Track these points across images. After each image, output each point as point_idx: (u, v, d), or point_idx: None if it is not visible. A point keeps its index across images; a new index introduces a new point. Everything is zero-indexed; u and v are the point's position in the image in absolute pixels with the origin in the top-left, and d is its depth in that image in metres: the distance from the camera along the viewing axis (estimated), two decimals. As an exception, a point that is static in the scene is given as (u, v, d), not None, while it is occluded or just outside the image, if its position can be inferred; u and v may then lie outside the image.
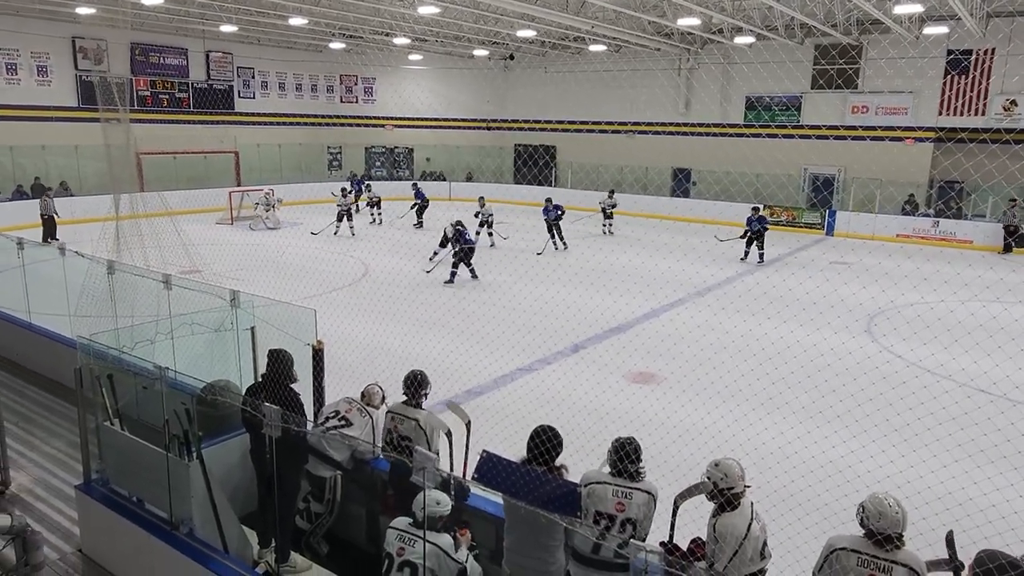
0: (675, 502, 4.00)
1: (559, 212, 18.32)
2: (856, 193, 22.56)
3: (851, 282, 11.55)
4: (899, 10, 16.95)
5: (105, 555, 4.92)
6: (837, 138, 22.60)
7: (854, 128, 22.73)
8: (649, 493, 3.88)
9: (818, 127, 22.94)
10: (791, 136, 23.47)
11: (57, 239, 16.37)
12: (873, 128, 22.35)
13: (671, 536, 3.99)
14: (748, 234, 17.28)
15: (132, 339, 5.04)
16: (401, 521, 3.91)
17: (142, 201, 7.34)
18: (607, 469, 3.93)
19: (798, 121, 24.12)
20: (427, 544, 3.75)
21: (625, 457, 3.86)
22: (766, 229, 17.30)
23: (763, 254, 17.24)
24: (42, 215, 17.84)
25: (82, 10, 19.73)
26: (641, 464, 3.91)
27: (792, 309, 10.72)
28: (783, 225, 23.20)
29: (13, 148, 21.62)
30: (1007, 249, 19.52)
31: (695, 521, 3.92)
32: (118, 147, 7.31)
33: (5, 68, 21.78)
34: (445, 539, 3.81)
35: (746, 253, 17.40)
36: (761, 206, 18.87)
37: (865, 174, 21.83)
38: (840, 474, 5.50)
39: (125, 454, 4.78)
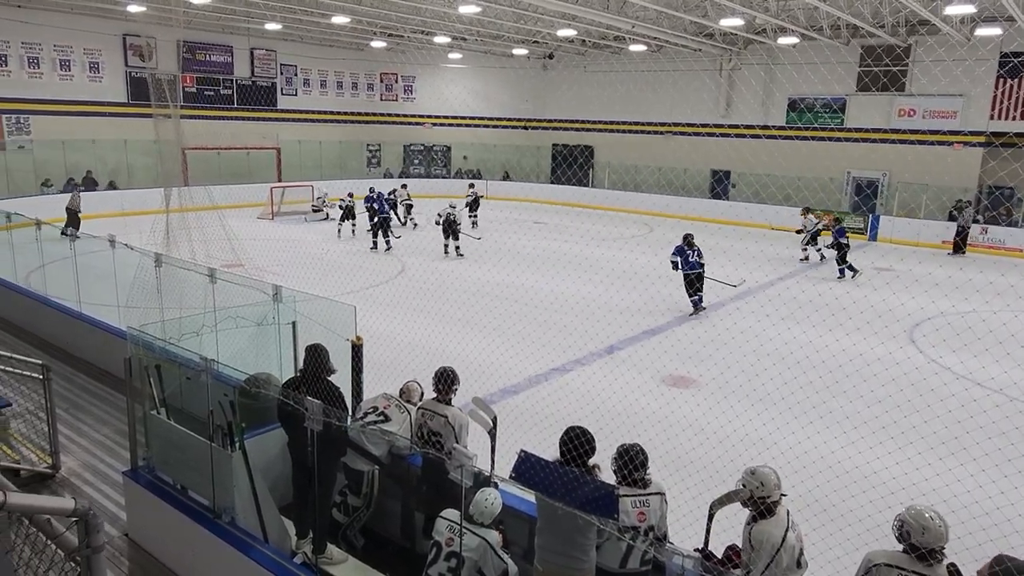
0: (711, 509, 3.97)
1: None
2: (901, 198, 22.03)
3: (899, 291, 11.22)
4: (950, 10, 16.50)
5: (150, 540, 5.05)
6: (882, 141, 22.09)
7: (900, 131, 22.19)
8: (660, 493, 3.91)
9: (863, 130, 22.44)
10: (835, 139, 23.01)
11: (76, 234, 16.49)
12: (920, 131, 21.79)
13: (706, 542, 3.95)
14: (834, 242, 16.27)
15: (179, 331, 5.16)
16: (452, 512, 3.97)
17: (189, 195, 7.51)
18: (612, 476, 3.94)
19: (842, 123, 23.63)
20: (476, 537, 3.81)
21: (634, 467, 3.87)
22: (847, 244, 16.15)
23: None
24: (69, 208, 18.15)
25: (133, 8, 20.25)
26: (647, 470, 3.93)
27: (838, 317, 10.48)
28: (824, 230, 22.74)
29: (65, 142, 22.28)
30: (957, 250, 19.44)
31: (734, 527, 3.87)
32: (168, 142, 7.49)
33: (59, 65, 22.47)
34: (493, 535, 3.87)
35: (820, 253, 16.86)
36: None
37: (911, 178, 21.31)
38: (884, 485, 5.37)
39: (170, 442, 4.90)
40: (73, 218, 17.95)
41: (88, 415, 7.16)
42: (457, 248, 17.30)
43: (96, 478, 5.95)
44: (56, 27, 21.84)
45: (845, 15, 17.91)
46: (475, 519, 3.87)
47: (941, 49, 20.25)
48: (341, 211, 20.14)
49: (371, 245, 17.93)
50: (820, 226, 17.69)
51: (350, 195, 20.22)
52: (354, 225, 19.76)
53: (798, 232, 18.21)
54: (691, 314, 12.63)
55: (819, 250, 17.56)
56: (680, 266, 12.69)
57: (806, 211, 18.62)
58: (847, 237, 16.12)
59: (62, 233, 16.45)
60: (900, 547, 3.23)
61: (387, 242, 17.81)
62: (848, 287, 13.88)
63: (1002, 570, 2.91)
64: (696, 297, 12.74)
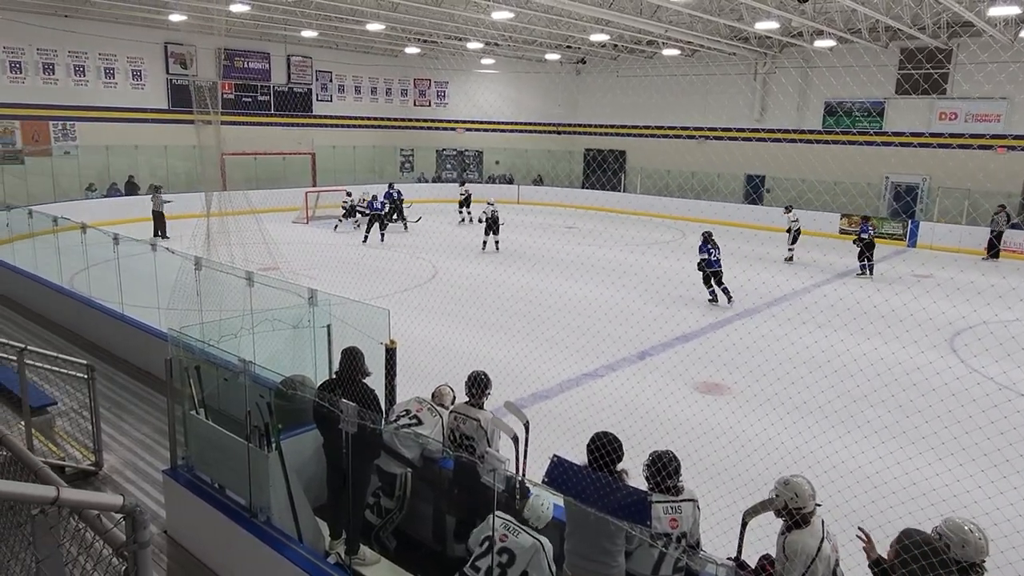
0: (744, 518, 3.93)
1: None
2: (942, 204, 21.52)
3: (940, 299, 10.97)
4: (993, 12, 16.11)
5: (188, 537, 5.16)
6: (922, 145, 21.61)
7: (941, 135, 21.69)
8: (692, 500, 3.90)
9: (902, 134, 21.98)
10: (873, 143, 22.59)
11: (167, 236, 17.73)
12: (961, 135, 21.27)
13: (739, 552, 3.91)
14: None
15: (218, 333, 5.27)
16: (507, 513, 4.01)
17: (229, 199, 7.67)
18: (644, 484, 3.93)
19: (881, 127, 23.18)
20: (530, 538, 3.85)
21: (667, 474, 3.86)
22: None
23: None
24: (155, 211, 18.94)
25: (175, 17, 20.76)
26: (680, 477, 3.91)
27: (876, 325, 10.28)
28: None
29: (109, 148, 22.91)
30: (994, 255, 19.26)
31: (769, 537, 3.83)
32: (208, 148, 7.66)
33: (104, 73, 23.13)
34: (547, 543, 3.89)
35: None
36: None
37: (952, 184, 20.81)
38: (924, 497, 5.24)
39: (209, 442, 5.01)
40: (159, 219, 18.67)
41: (129, 414, 7.35)
42: (497, 243, 18.41)
43: (137, 476, 6.11)
44: (101, 36, 22.47)
45: (884, 18, 17.59)
46: (531, 523, 3.89)
47: (984, 54, 19.75)
48: (344, 209, 22.33)
49: (363, 239, 19.52)
50: (799, 226, 18.32)
51: (348, 194, 22.59)
52: (356, 223, 21.46)
53: (787, 231, 18.41)
54: (728, 303, 13.22)
55: (791, 249, 18.15)
56: (712, 263, 13.15)
57: (788, 209, 18.62)
58: (868, 233, 16.37)
59: (157, 235, 17.56)
60: None
61: (381, 235, 19.63)
62: (887, 295, 13.60)
63: (911, 545, 3.01)
64: (723, 287, 13.28)
